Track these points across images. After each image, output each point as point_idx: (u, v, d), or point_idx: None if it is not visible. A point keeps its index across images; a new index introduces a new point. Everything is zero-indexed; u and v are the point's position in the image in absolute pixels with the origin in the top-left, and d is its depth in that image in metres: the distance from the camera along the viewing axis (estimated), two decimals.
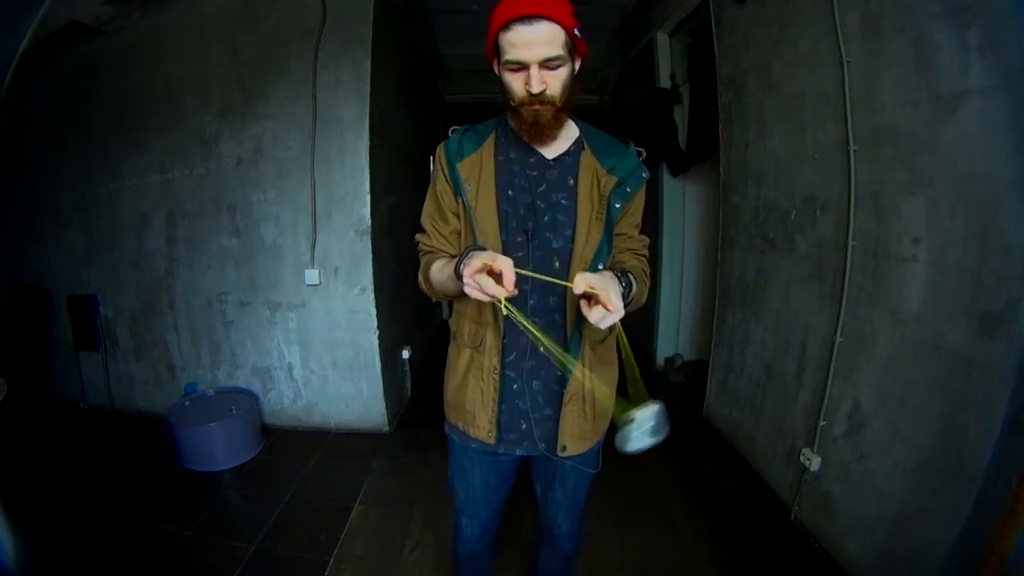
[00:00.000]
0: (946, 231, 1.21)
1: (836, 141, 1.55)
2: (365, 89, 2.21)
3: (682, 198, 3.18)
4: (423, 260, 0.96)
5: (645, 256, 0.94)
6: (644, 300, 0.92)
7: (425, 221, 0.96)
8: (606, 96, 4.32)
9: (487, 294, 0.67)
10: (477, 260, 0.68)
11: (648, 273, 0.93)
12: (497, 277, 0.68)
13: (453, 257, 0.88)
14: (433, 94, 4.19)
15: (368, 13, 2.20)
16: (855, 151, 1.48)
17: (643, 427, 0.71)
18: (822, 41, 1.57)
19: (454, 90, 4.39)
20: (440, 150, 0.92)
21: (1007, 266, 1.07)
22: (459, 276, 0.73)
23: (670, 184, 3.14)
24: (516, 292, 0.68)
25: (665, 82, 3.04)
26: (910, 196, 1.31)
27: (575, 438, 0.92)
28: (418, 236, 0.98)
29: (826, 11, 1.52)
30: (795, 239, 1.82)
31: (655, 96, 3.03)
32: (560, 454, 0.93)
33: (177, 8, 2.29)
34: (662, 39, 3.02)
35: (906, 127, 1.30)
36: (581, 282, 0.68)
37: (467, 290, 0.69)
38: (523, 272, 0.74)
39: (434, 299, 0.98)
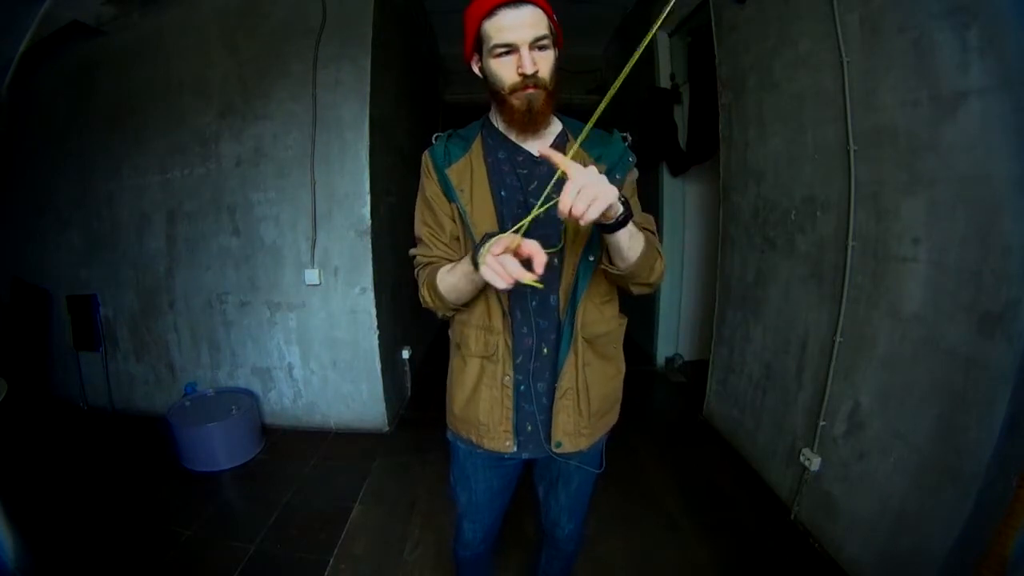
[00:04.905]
0: (946, 231, 1.21)
1: (836, 141, 1.55)
2: (365, 89, 2.21)
3: (682, 198, 3.17)
4: (424, 274, 0.91)
5: (651, 231, 0.86)
6: (655, 270, 0.83)
7: (421, 231, 0.93)
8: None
9: (511, 277, 0.64)
10: (500, 244, 0.65)
11: (659, 250, 0.84)
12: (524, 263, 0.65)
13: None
14: (433, 94, 4.18)
15: (368, 13, 2.20)
16: (855, 151, 1.48)
17: None
18: (822, 41, 1.57)
19: (454, 90, 4.38)
20: (426, 158, 0.91)
21: (1007, 266, 1.07)
22: (476, 266, 0.70)
23: (670, 184, 3.14)
24: (540, 274, 0.64)
25: (665, 82, 3.04)
26: (910, 196, 1.31)
27: (570, 434, 0.91)
28: (413, 251, 0.95)
29: (826, 11, 1.52)
30: (795, 239, 1.82)
31: (655, 96, 3.03)
32: (556, 451, 0.92)
33: (177, 8, 2.29)
34: (662, 39, 3.02)
35: (906, 127, 1.30)
36: (545, 152, 0.64)
37: (486, 273, 0.65)
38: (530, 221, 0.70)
39: (439, 313, 0.92)
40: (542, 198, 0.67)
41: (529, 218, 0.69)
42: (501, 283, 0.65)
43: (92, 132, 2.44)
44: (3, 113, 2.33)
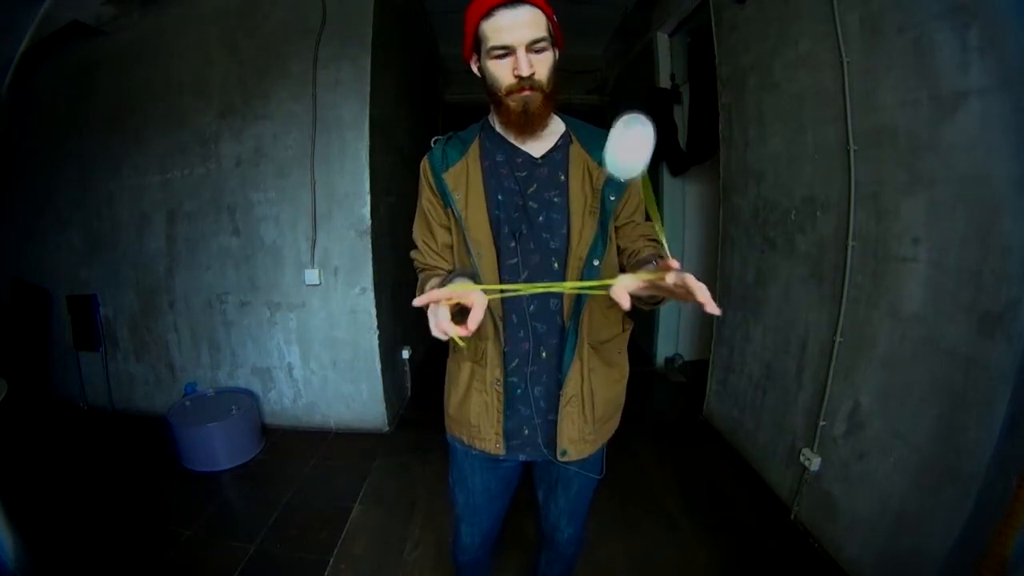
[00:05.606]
0: (946, 231, 1.21)
1: (836, 141, 1.55)
2: (365, 89, 2.21)
3: (682, 198, 3.18)
4: (420, 277, 0.93)
5: (659, 242, 0.85)
6: None
7: (416, 237, 0.94)
8: (606, 96, 4.31)
9: (440, 328, 0.61)
10: (446, 290, 0.63)
11: None
12: (467, 311, 0.62)
13: (447, 274, 0.85)
14: (433, 94, 4.18)
15: (368, 13, 2.20)
16: (855, 151, 1.48)
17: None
18: (822, 41, 1.57)
19: (454, 90, 4.39)
20: (425, 163, 0.90)
21: (1007, 266, 1.07)
22: None
23: (670, 184, 3.14)
24: (470, 333, 0.62)
25: (665, 82, 3.04)
26: (910, 196, 1.31)
27: (575, 442, 0.91)
28: (412, 253, 0.96)
29: (826, 11, 1.52)
30: (795, 239, 1.82)
31: (655, 96, 3.03)
32: (561, 458, 0.91)
33: (177, 8, 2.29)
34: (662, 39, 3.02)
35: (906, 127, 1.30)
36: (623, 294, 0.60)
37: (431, 317, 0.63)
38: (516, 290, 0.72)
39: None
40: (538, 287, 0.68)
41: (514, 290, 0.71)
42: (435, 331, 0.63)
43: (92, 132, 2.44)
44: (3, 113, 2.33)
